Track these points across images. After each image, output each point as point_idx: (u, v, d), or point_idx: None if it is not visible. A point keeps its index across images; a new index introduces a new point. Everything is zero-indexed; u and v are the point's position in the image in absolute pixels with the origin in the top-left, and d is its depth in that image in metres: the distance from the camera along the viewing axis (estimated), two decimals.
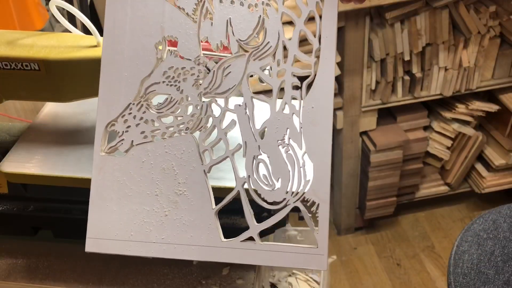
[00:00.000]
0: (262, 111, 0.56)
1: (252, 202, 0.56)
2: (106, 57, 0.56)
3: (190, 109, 0.56)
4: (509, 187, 1.69)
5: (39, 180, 0.67)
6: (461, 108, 1.56)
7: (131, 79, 0.56)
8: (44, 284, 0.71)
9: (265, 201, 0.54)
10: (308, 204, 0.54)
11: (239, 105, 0.55)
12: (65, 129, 0.75)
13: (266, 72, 0.55)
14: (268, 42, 0.54)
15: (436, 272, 1.64)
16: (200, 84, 0.55)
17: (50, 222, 0.73)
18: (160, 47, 0.56)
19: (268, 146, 0.54)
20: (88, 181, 0.57)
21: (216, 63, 0.55)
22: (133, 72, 0.56)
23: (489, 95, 1.59)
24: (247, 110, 0.55)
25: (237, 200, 0.56)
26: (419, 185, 1.74)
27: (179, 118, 0.56)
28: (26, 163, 0.68)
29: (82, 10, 1.06)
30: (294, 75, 0.54)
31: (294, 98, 0.54)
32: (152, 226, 0.56)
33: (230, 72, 0.55)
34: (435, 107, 1.61)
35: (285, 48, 0.54)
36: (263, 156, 0.55)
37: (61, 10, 0.67)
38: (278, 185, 0.55)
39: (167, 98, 0.56)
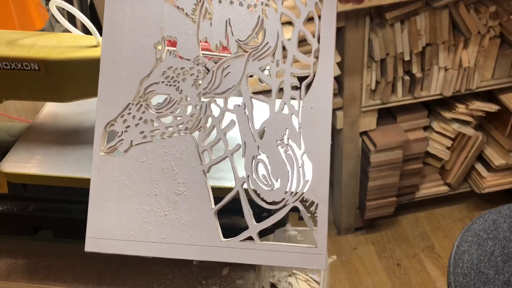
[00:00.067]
0: (261, 111, 0.56)
1: (252, 202, 0.56)
2: (105, 57, 0.56)
3: (190, 109, 0.56)
4: (509, 187, 1.69)
5: (39, 180, 0.67)
6: (461, 108, 1.56)
7: (130, 79, 0.56)
8: (44, 284, 0.71)
9: (264, 201, 0.54)
10: (307, 204, 0.54)
11: (238, 105, 0.55)
12: (65, 129, 0.75)
13: (266, 72, 0.55)
14: (267, 42, 0.54)
15: (436, 272, 1.64)
16: (200, 84, 0.55)
17: (50, 222, 0.73)
18: (159, 47, 0.56)
19: (267, 146, 0.54)
20: (88, 181, 0.57)
21: (216, 63, 0.55)
22: (132, 72, 0.56)
23: (489, 95, 1.59)
24: (246, 110, 0.55)
25: (236, 200, 0.56)
26: (419, 185, 1.74)
27: (178, 118, 0.56)
28: (26, 163, 0.68)
29: (82, 10, 1.06)
30: (293, 76, 0.54)
31: (293, 98, 0.55)
32: (152, 226, 0.56)
33: (229, 72, 0.55)
34: (435, 107, 1.61)
35: (284, 48, 0.54)
36: (262, 156, 0.55)
37: (61, 10, 0.67)
38: (277, 185, 0.55)
39: (167, 98, 0.56)
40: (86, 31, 0.68)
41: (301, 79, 0.55)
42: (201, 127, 0.56)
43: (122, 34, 0.56)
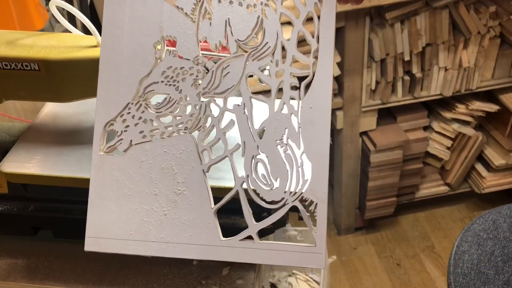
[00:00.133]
0: (260, 111, 0.56)
1: (252, 202, 0.56)
2: (104, 57, 0.56)
3: (189, 108, 0.56)
4: (509, 187, 1.69)
5: (39, 180, 0.67)
6: (461, 108, 1.56)
7: (129, 79, 0.56)
8: (44, 284, 0.71)
9: (264, 200, 0.55)
10: (306, 204, 0.54)
11: (238, 105, 0.55)
12: (65, 129, 0.75)
13: (266, 72, 0.55)
14: (267, 42, 0.54)
15: (436, 272, 1.64)
16: (199, 84, 0.55)
17: (50, 222, 0.73)
18: (159, 47, 0.56)
19: (267, 146, 0.55)
20: (88, 181, 0.57)
21: (215, 63, 0.55)
22: (131, 72, 0.56)
23: (489, 95, 1.59)
24: (245, 110, 0.55)
25: (236, 199, 0.56)
26: (419, 185, 1.74)
27: (178, 118, 0.56)
28: (26, 163, 0.68)
29: (82, 10, 1.06)
30: (292, 76, 0.55)
31: (293, 98, 0.55)
32: (151, 225, 0.56)
33: (228, 72, 0.55)
34: (435, 107, 1.61)
35: (283, 48, 0.54)
36: (262, 156, 0.55)
37: (61, 10, 0.67)
38: (276, 184, 0.55)
39: (166, 98, 0.56)
40: (86, 31, 0.68)
41: (300, 79, 0.55)
42: (200, 126, 0.56)
43: (122, 34, 0.56)
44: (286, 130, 0.54)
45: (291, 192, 0.54)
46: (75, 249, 0.73)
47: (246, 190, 0.55)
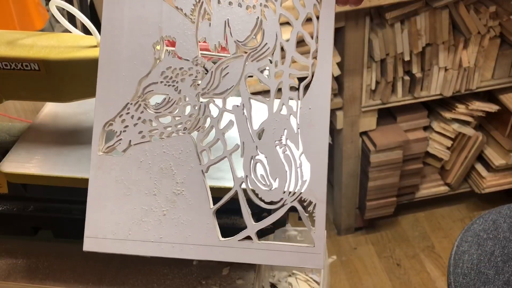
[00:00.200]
0: (260, 112, 0.56)
1: (252, 203, 0.56)
2: (103, 57, 0.56)
3: (188, 109, 0.56)
4: (509, 187, 1.69)
5: (39, 180, 0.67)
6: (461, 108, 1.56)
7: (129, 79, 0.56)
8: (44, 284, 0.71)
9: (263, 201, 0.55)
10: (305, 204, 0.54)
11: (237, 105, 0.55)
12: (65, 129, 0.75)
13: (266, 72, 0.55)
14: (266, 43, 0.54)
15: (436, 272, 1.64)
16: (198, 85, 0.56)
17: (50, 222, 0.73)
18: (158, 47, 0.56)
19: (266, 147, 0.55)
20: (88, 181, 0.58)
21: (215, 63, 0.55)
22: (131, 72, 0.56)
23: (489, 95, 1.59)
24: (244, 111, 0.55)
25: (236, 200, 0.56)
26: (419, 185, 1.74)
27: (177, 118, 0.56)
28: (26, 163, 0.68)
29: (82, 10, 1.06)
30: (292, 77, 0.55)
31: (292, 99, 0.55)
32: (150, 226, 0.56)
33: (228, 73, 0.55)
34: (435, 107, 1.61)
35: (283, 49, 0.54)
36: (261, 157, 0.55)
37: (61, 10, 0.67)
38: (275, 185, 0.55)
39: (165, 98, 0.56)
40: (86, 31, 0.68)
41: (300, 79, 0.55)
42: (199, 127, 0.56)
43: (121, 34, 0.56)
44: (285, 130, 0.54)
45: (290, 193, 0.55)
46: (75, 249, 0.73)
47: (245, 191, 0.55)
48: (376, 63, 1.44)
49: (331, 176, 1.77)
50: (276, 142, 0.55)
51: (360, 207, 1.74)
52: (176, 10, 0.55)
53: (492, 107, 1.56)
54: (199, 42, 0.55)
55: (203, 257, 0.55)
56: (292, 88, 0.55)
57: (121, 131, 0.57)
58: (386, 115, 1.60)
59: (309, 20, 0.54)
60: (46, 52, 0.64)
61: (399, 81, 1.48)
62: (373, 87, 1.48)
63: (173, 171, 0.56)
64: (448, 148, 1.65)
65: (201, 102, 0.56)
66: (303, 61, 0.54)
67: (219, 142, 0.56)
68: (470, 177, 1.75)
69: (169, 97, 0.56)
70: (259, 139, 0.55)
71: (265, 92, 0.56)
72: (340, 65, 1.42)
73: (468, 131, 1.60)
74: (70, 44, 0.66)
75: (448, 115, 1.58)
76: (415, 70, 1.46)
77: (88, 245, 0.56)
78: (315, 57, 0.54)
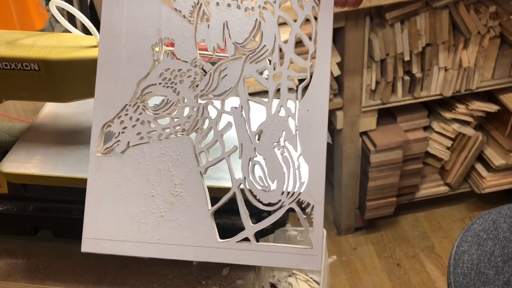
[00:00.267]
0: (258, 113, 0.56)
1: (251, 204, 0.56)
2: (102, 58, 0.56)
3: (187, 110, 0.56)
4: (509, 187, 1.69)
5: (39, 180, 0.67)
6: (461, 108, 1.56)
7: (127, 81, 0.56)
8: (44, 284, 0.71)
9: (261, 202, 0.55)
10: (303, 206, 0.54)
11: (236, 107, 0.55)
12: (65, 129, 0.75)
13: (266, 73, 0.55)
14: (265, 45, 0.54)
15: (436, 272, 1.64)
16: (197, 86, 0.56)
17: (50, 222, 0.73)
18: (157, 49, 0.56)
19: (264, 148, 0.55)
20: None
21: (215, 63, 0.56)
22: (129, 74, 0.56)
23: (489, 95, 1.59)
24: (243, 113, 0.55)
25: (236, 200, 0.56)
26: (419, 185, 1.74)
27: (175, 120, 0.56)
28: (26, 163, 0.68)
29: (82, 10, 1.06)
30: (290, 78, 0.55)
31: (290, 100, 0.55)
32: (148, 227, 0.56)
33: (226, 74, 0.55)
34: (435, 107, 1.61)
35: (281, 51, 0.55)
36: (259, 158, 0.55)
37: (61, 10, 0.67)
38: (273, 186, 0.55)
39: (164, 100, 0.56)
40: (86, 31, 0.68)
41: (298, 81, 0.55)
42: (198, 128, 0.56)
43: (120, 35, 0.56)
44: (283, 132, 0.55)
45: (288, 194, 0.55)
46: (75, 249, 0.73)
47: (243, 192, 0.56)
48: (376, 63, 1.44)
49: (331, 176, 1.77)
50: (275, 143, 0.55)
51: (360, 207, 1.74)
52: (175, 12, 0.55)
53: (492, 107, 1.56)
54: (198, 43, 0.56)
55: (201, 259, 0.55)
56: (290, 90, 0.55)
57: (119, 133, 0.57)
58: (386, 115, 1.60)
59: (307, 20, 0.54)
60: (46, 52, 0.64)
61: (399, 81, 1.48)
62: (373, 87, 1.48)
63: (171, 173, 0.56)
64: (448, 148, 1.65)
65: (200, 103, 0.56)
66: (302, 63, 0.54)
67: (218, 144, 0.56)
68: (470, 177, 1.75)
69: (168, 99, 0.56)
70: (258, 140, 0.55)
71: (265, 92, 0.56)
72: (340, 65, 1.42)
73: (468, 131, 1.60)
74: (70, 44, 0.66)
75: (448, 115, 1.58)
76: (415, 70, 1.46)
77: (87, 246, 0.56)
78: (313, 58, 0.54)
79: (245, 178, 0.55)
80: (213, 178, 0.60)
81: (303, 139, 0.54)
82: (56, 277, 0.71)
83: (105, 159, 0.57)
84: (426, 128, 1.64)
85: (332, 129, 1.60)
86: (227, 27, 0.55)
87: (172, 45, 0.56)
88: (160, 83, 0.56)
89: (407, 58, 1.43)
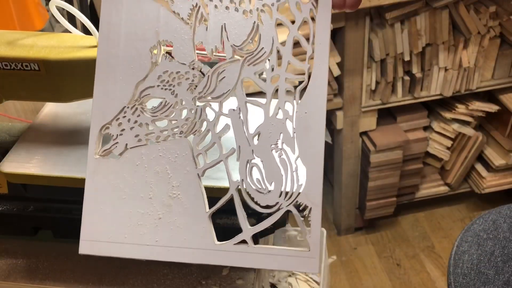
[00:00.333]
0: (255, 115, 0.57)
1: (249, 205, 0.56)
2: (101, 61, 0.56)
3: (185, 113, 0.56)
4: (509, 187, 1.69)
5: (39, 180, 0.67)
6: (461, 108, 1.56)
7: (125, 83, 0.56)
8: (44, 284, 0.71)
9: (258, 204, 0.55)
10: (300, 208, 0.54)
11: (233, 109, 0.55)
12: (65, 129, 0.75)
13: (264, 75, 0.55)
14: (263, 48, 0.54)
15: (436, 272, 1.64)
16: (195, 88, 0.56)
17: (50, 222, 0.73)
18: (155, 51, 0.56)
19: (262, 151, 0.55)
20: None
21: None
22: (127, 76, 0.56)
23: (489, 95, 1.59)
24: (241, 115, 0.55)
25: (233, 201, 0.56)
26: (419, 185, 1.74)
27: (173, 122, 0.56)
28: (26, 163, 0.68)
29: (82, 10, 1.06)
30: (288, 81, 0.55)
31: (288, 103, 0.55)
32: (146, 229, 0.56)
33: (224, 77, 0.55)
34: (435, 107, 1.61)
35: (279, 53, 0.55)
36: (257, 160, 0.55)
37: (61, 10, 0.67)
38: (271, 188, 0.55)
39: (162, 102, 0.56)
40: (86, 31, 0.68)
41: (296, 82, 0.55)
42: (196, 130, 0.56)
43: (118, 38, 0.56)
44: (281, 134, 0.55)
45: (286, 196, 0.55)
46: (75, 249, 0.72)
47: (241, 194, 0.56)
48: (376, 63, 1.44)
49: (331, 176, 1.77)
50: (272, 146, 0.55)
51: (360, 207, 1.74)
52: (173, 14, 0.55)
53: (492, 107, 1.56)
54: (196, 46, 0.56)
55: (199, 261, 0.55)
56: (288, 92, 0.55)
57: (117, 135, 0.57)
58: (386, 115, 1.60)
59: (305, 22, 0.54)
60: (46, 52, 0.64)
61: (399, 81, 1.48)
62: (373, 87, 1.48)
63: (169, 175, 0.56)
64: (448, 148, 1.65)
65: (198, 105, 0.56)
66: (299, 66, 0.54)
67: (215, 146, 0.56)
68: (470, 177, 1.75)
69: (166, 101, 0.56)
70: (255, 143, 0.55)
71: (265, 93, 0.56)
72: (340, 65, 1.42)
73: (468, 131, 1.60)
74: (70, 44, 0.66)
75: (448, 115, 1.58)
76: (415, 70, 1.46)
77: (84, 248, 0.56)
78: (311, 58, 0.54)
79: (242, 180, 0.55)
80: (213, 178, 0.60)
81: (301, 141, 0.54)
82: (56, 277, 0.71)
83: (103, 161, 0.57)
84: (426, 128, 1.64)
85: (332, 129, 1.60)
86: (225, 30, 0.55)
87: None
88: (158, 86, 0.56)
89: (407, 58, 1.43)
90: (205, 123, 0.56)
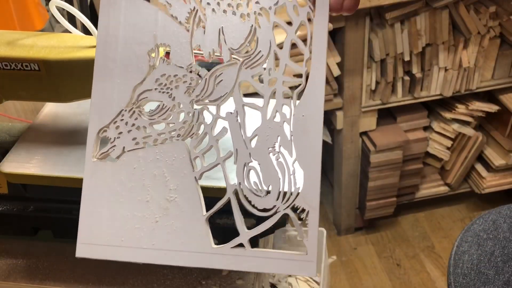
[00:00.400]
0: (253, 118, 0.57)
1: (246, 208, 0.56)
2: (99, 64, 0.57)
3: (182, 116, 0.56)
4: (509, 187, 1.69)
5: (39, 180, 0.67)
6: (461, 108, 1.56)
7: (123, 86, 0.56)
8: (44, 284, 0.71)
9: (256, 208, 0.55)
10: (298, 211, 0.54)
11: (231, 112, 0.55)
12: (65, 129, 0.75)
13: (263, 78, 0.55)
14: (260, 51, 0.54)
15: (436, 272, 1.64)
16: (192, 92, 0.56)
17: (50, 222, 0.73)
18: (153, 55, 0.56)
19: (259, 154, 0.55)
20: None
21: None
22: (125, 79, 0.56)
23: (489, 96, 1.59)
24: (238, 118, 0.55)
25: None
26: (419, 186, 1.74)
27: (170, 125, 0.56)
28: (26, 163, 0.68)
29: (82, 10, 1.06)
30: (285, 84, 0.55)
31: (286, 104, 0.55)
32: (143, 232, 0.56)
33: (221, 80, 0.55)
34: (435, 108, 1.61)
35: (276, 56, 0.55)
36: (254, 163, 0.55)
37: (61, 10, 0.67)
38: (268, 191, 0.55)
39: (159, 105, 0.56)
40: (86, 31, 0.68)
41: (293, 86, 0.55)
42: (193, 134, 0.56)
43: (116, 41, 0.56)
44: (279, 138, 0.55)
45: (283, 198, 0.55)
46: (75, 249, 0.73)
47: (238, 198, 0.56)
48: (376, 63, 1.44)
49: (331, 176, 1.77)
50: (270, 149, 0.55)
51: (360, 207, 1.74)
52: (171, 18, 0.56)
53: (492, 107, 1.56)
54: (194, 49, 0.56)
55: (196, 264, 0.55)
56: (285, 95, 0.55)
57: (115, 138, 0.57)
58: (386, 115, 1.60)
59: (303, 25, 0.54)
60: (46, 52, 0.64)
61: (399, 81, 1.47)
62: (373, 87, 1.48)
63: (166, 178, 0.56)
64: (448, 148, 1.65)
65: (195, 109, 0.56)
66: (297, 69, 0.54)
67: (213, 149, 0.56)
68: (470, 177, 1.74)
69: (163, 104, 0.56)
70: (253, 146, 0.55)
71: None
72: (340, 65, 1.42)
73: (468, 131, 1.60)
74: (70, 44, 0.66)
75: (448, 115, 1.58)
76: (415, 70, 1.46)
77: (81, 251, 0.57)
78: (308, 64, 0.54)
79: (240, 183, 0.55)
80: (213, 178, 0.60)
81: (298, 144, 0.54)
82: (56, 277, 0.72)
83: (101, 164, 0.57)
84: (426, 128, 1.64)
85: (332, 129, 1.60)
86: (223, 33, 0.55)
87: None
88: (155, 89, 0.56)
89: (407, 58, 1.42)
90: (202, 126, 0.56)
